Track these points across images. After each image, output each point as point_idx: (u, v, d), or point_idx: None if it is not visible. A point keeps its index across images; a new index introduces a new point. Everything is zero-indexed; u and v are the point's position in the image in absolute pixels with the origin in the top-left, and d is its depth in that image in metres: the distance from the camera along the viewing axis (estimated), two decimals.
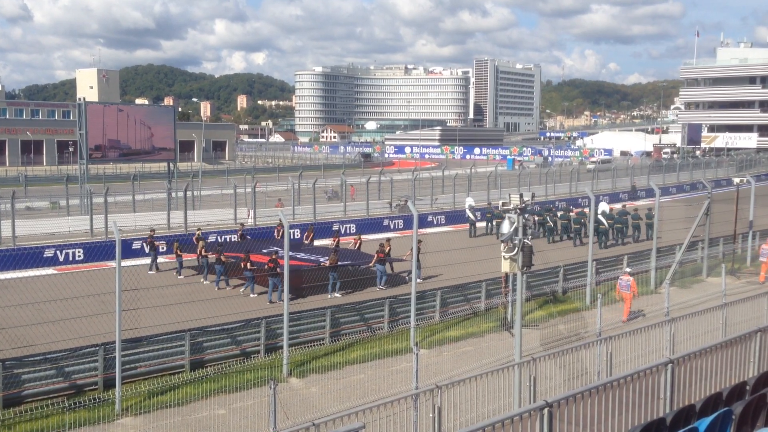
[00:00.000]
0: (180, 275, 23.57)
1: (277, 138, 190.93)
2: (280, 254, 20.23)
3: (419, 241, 19.47)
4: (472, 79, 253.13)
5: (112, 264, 19.04)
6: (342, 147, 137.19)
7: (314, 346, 15.55)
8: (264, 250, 22.60)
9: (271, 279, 20.10)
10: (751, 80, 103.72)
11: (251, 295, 20.86)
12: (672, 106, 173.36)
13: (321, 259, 22.17)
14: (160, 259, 25.48)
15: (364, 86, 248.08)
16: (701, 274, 23.85)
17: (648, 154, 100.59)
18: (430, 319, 18.17)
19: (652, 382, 9.48)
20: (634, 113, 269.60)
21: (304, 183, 41.73)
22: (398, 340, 16.24)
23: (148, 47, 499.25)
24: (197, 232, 25.98)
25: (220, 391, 13.09)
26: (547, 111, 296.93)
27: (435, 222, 35.42)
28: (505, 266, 13.48)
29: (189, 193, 36.25)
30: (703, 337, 13.32)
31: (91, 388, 13.46)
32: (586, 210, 31.50)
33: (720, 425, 6.17)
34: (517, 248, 12.79)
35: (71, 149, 73.01)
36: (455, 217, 36.66)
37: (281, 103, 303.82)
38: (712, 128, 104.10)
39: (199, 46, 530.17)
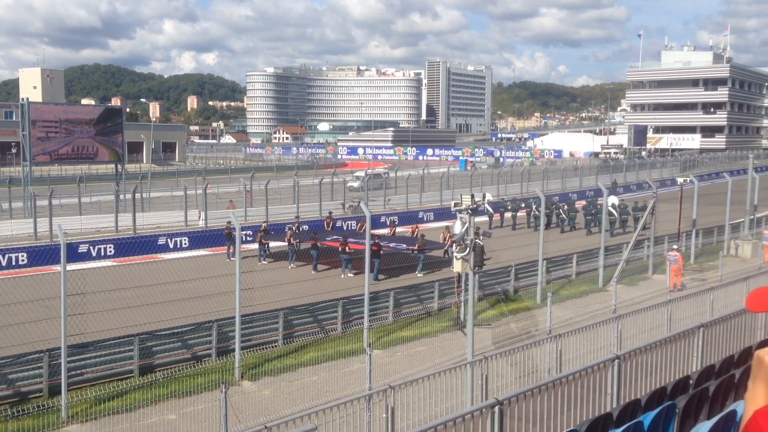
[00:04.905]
0: (263, 261, 26.32)
1: (228, 139, 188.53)
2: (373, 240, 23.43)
3: (478, 228, 24.30)
4: (425, 81, 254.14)
5: (57, 268, 18.58)
6: (294, 148, 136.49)
7: (267, 348, 15.42)
8: (328, 238, 25.94)
9: (376, 260, 22.46)
10: (694, 83, 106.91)
11: (346, 275, 23.69)
12: (619, 108, 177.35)
13: (401, 246, 25.54)
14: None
15: (316, 87, 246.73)
16: (647, 272, 24.45)
17: (596, 155, 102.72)
18: (383, 319, 18.21)
19: (599, 378, 9.68)
20: (583, 115, 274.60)
21: (257, 184, 41.36)
22: (351, 341, 16.25)
23: (95, 47, 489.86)
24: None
25: (171, 396, 12.88)
26: (499, 112, 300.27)
27: (387, 222, 35.48)
28: (457, 266, 13.62)
29: (138, 195, 35.59)
30: (649, 333, 13.66)
31: (36, 395, 13.11)
32: (599, 201, 34.74)
33: (664, 419, 6.33)
34: (468, 248, 12.93)
35: (14, 151, 70.86)
36: (408, 217, 36.79)
37: (232, 104, 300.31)
38: (657, 129, 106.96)
39: (147, 45, 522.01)
